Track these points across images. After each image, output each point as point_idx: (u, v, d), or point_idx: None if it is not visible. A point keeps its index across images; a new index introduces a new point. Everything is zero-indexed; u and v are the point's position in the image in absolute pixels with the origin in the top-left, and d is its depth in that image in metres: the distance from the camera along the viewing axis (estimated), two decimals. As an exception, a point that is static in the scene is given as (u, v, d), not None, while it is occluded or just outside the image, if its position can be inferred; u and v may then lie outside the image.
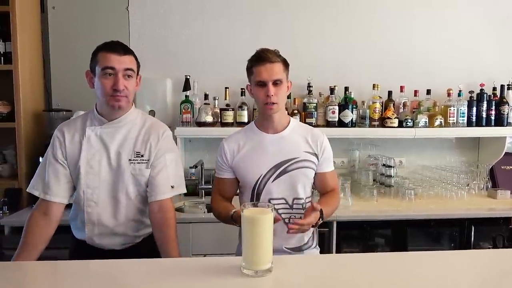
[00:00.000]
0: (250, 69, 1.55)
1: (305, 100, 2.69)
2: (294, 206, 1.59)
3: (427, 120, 2.71)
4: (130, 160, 1.54)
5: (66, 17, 2.71)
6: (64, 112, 2.57)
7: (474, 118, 2.78)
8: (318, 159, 1.60)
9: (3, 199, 2.31)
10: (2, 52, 2.45)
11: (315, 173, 1.62)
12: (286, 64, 1.56)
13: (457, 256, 1.48)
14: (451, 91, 2.78)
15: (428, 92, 2.83)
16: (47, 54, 2.72)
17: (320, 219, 1.48)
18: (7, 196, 2.33)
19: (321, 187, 1.67)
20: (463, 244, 2.42)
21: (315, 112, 2.67)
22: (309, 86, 2.72)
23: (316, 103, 2.69)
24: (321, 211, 1.46)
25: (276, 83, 1.51)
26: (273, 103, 1.52)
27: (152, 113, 2.64)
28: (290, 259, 1.34)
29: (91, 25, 2.72)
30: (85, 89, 1.63)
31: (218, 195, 1.66)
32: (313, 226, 1.49)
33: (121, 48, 1.50)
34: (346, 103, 2.71)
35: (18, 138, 2.43)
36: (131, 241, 1.60)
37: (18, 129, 2.42)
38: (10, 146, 2.57)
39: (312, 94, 2.71)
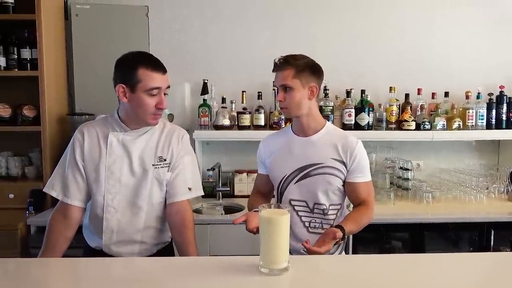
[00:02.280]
0: None
1: (322, 103, 2.69)
2: (315, 210, 1.60)
3: (445, 123, 2.69)
4: (154, 165, 1.56)
5: (88, 24, 2.80)
6: (87, 116, 2.64)
7: (493, 121, 2.75)
8: (346, 168, 1.57)
9: (29, 199, 2.40)
10: (28, 59, 2.55)
11: (345, 182, 1.60)
12: (300, 70, 1.53)
13: (476, 258, 1.48)
14: (469, 94, 2.75)
15: (446, 94, 2.81)
16: (70, 60, 2.81)
17: (340, 240, 1.45)
18: (32, 197, 2.42)
19: (350, 197, 1.64)
20: (482, 248, 2.38)
21: (332, 115, 2.68)
22: (325, 89, 2.73)
23: (333, 106, 2.70)
24: (343, 229, 1.44)
25: (285, 88, 1.54)
26: (282, 108, 1.59)
27: (171, 116, 2.69)
28: (306, 258, 1.36)
29: (112, 32, 2.79)
30: (106, 93, 1.66)
31: (256, 189, 1.80)
32: (335, 244, 1.46)
33: (162, 67, 1.51)
34: (362, 106, 2.71)
35: (43, 141, 2.51)
36: (148, 250, 1.61)
37: (43, 132, 2.51)
38: (35, 148, 2.67)
39: (328, 97, 2.73)
